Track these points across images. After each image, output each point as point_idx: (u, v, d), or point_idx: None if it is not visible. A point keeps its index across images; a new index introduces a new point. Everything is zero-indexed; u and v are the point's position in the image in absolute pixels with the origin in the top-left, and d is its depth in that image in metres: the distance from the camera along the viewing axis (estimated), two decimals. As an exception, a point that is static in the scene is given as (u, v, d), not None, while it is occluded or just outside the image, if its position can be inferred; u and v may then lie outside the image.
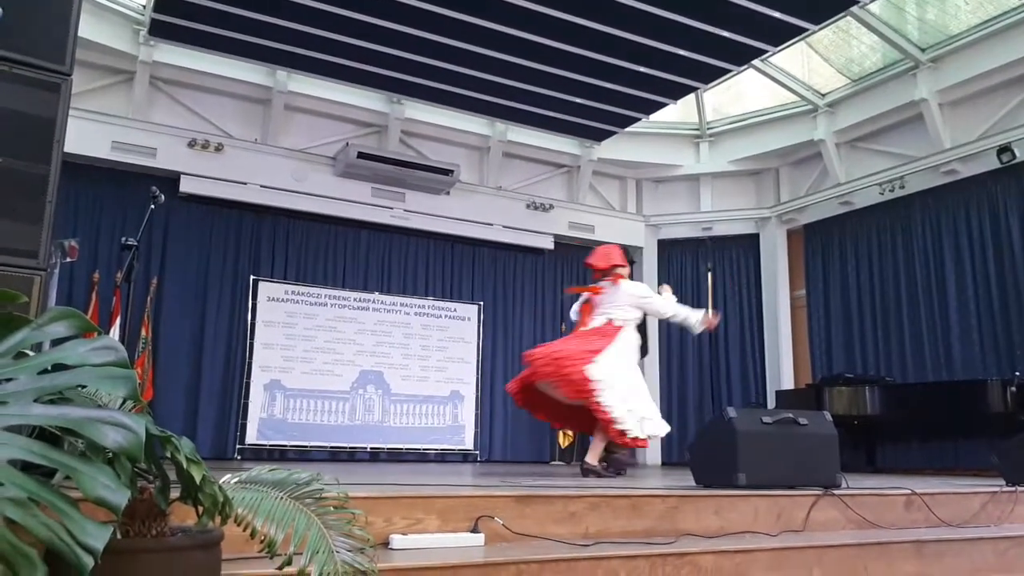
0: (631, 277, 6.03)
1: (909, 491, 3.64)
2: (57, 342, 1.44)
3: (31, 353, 1.43)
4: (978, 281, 7.76)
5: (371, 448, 8.45)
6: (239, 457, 7.79)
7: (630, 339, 5.36)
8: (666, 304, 5.50)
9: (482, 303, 9.40)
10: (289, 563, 1.59)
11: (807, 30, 6.69)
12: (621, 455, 5.40)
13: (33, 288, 2.33)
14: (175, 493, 1.63)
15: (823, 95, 9.01)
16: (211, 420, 7.79)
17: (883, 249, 8.71)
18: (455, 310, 9.25)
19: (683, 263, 10.15)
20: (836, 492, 3.48)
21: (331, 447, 8.27)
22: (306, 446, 8.16)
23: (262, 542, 1.62)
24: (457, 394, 9.03)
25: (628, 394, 5.03)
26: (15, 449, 1.23)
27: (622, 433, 4.91)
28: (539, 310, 9.81)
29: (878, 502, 3.56)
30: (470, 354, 9.21)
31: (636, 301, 5.43)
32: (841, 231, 9.20)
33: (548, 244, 9.65)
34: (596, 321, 5.40)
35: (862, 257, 8.92)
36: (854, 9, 6.94)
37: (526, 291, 9.78)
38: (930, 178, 8.17)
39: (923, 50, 7.96)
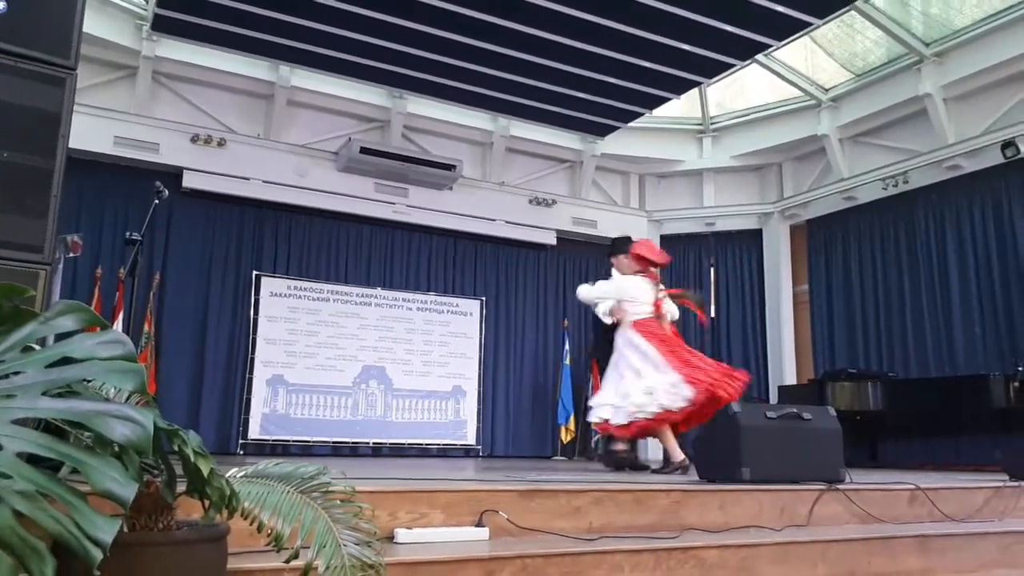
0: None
1: (913, 486, 3.64)
2: (63, 336, 1.44)
3: (38, 347, 1.43)
4: (981, 276, 7.75)
5: (373, 443, 8.46)
6: (241, 452, 7.79)
7: None
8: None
9: (484, 298, 9.40)
10: (296, 556, 1.60)
11: (811, 24, 6.67)
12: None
13: (38, 282, 2.34)
14: (181, 487, 1.63)
15: (826, 90, 8.99)
16: (214, 415, 7.80)
17: (886, 244, 8.70)
18: (457, 305, 9.25)
19: (686, 258, 10.14)
20: (840, 487, 3.48)
21: (333, 442, 8.28)
22: (309, 441, 8.16)
23: (269, 535, 1.62)
24: (459, 389, 9.04)
25: None
26: (23, 442, 1.23)
27: None
28: (541, 305, 9.81)
29: (882, 497, 3.56)
30: (472, 349, 9.21)
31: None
32: (844, 226, 9.18)
33: (551, 239, 9.64)
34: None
35: (865, 252, 8.91)
36: (858, 3, 6.92)
37: (528, 286, 9.78)
38: (934, 173, 8.16)
39: (927, 44, 7.93)
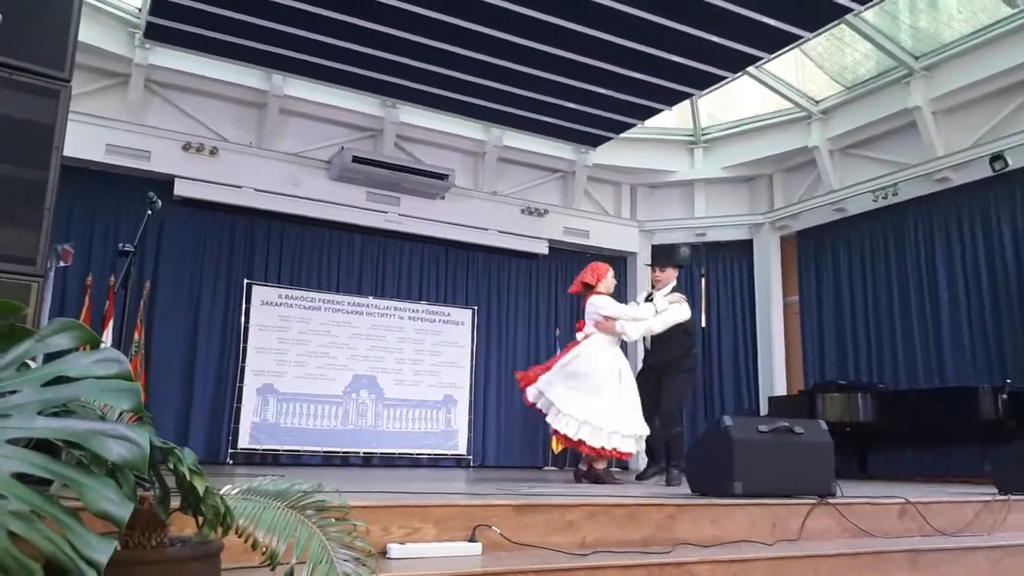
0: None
1: (903, 500, 3.65)
2: (57, 355, 1.43)
3: (33, 364, 1.43)
4: (970, 288, 7.81)
5: (364, 453, 8.43)
6: (231, 462, 7.76)
7: (594, 353, 5.16)
8: (626, 325, 5.29)
9: (476, 308, 9.40)
10: (291, 574, 1.59)
11: (802, 37, 6.72)
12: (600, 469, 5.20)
13: (31, 295, 2.33)
14: (174, 502, 1.62)
15: (817, 102, 9.05)
16: (203, 424, 7.77)
17: (876, 256, 8.75)
18: (449, 314, 9.25)
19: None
20: (831, 501, 3.49)
21: (324, 452, 8.25)
22: (299, 451, 8.13)
23: (264, 553, 1.61)
24: (450, 399, 9.03)
25: (588, 408, 4.96)
26: (18, 462, 1.22)
27: (590, 448, 4.95)
28: (533, 315, 9.82)
29: (873, 511, 3.57)
30: (464, 359, 9.20)
31: (594, 315, 5.30)
32: (834, 238, 9.24)
33: (542, 249, 9.66)
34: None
35: (855, 264, 8.97)
36: (848, 17, 6.98)
37: (520, 296, 9.79)
38: (923, 186, 8.22)
39: (916, 58, 8.01)
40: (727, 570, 2.75)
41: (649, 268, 5.97)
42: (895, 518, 3.61)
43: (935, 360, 7.96)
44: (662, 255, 6.10)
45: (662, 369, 5.44)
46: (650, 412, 5.20)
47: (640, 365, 5.77)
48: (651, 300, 5.60)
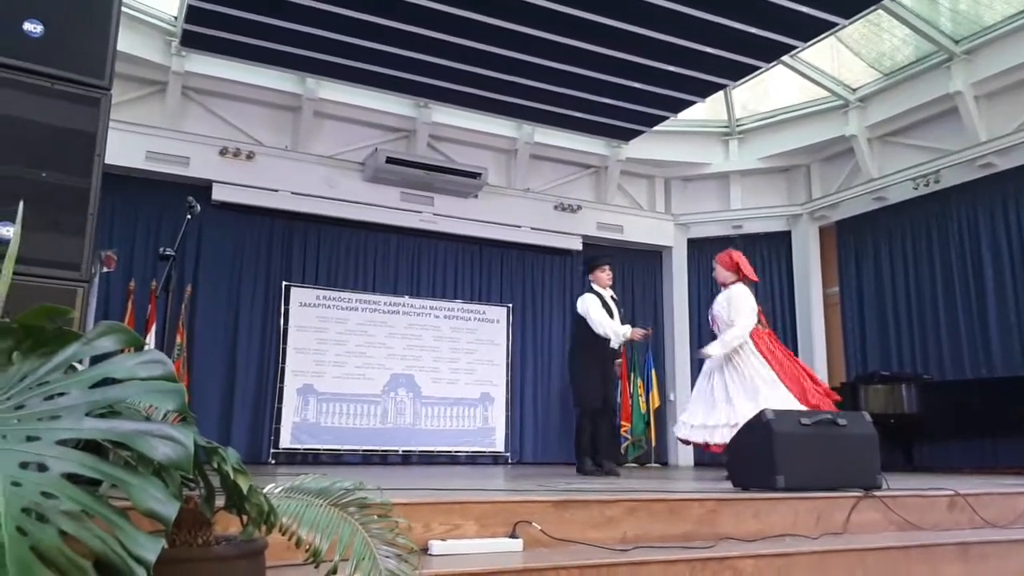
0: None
1: (952, 492, 3.58)
2: (102, 357, 1.46)
3: (80, 367, 1.46)
4: (1017, 275, 7.61)
5: (403, 451, 8.49)
6: (273, 461, 7.86)
7: None
8: None
9: (511, 305, 9.41)
10: (335, 572, 1.61)
11: (837, 25, 6.60)
12: None
13: (76, 300, 2.37)
14: (219, 501, 1.65)
15: (854, 90, 8.89)
16: (245, 425, 7.88)
17: (918, 245, 8.57)
18: (484, 312, 9.26)
19: (713, 262, 10.03)
20: (877, 494, 3.43)
21: (363, 450, 8.33)
22: (339, 450, 8.21)
23: (307, 551, 1.63)
24: (487, 396, 9.05)
25: None
26: (69, 463, 1.25)
27: None
28: (568, 311, 9.78)
29: (920, 503, 3.50)
30: (499, 356, 9.22)
31: None
32: (874, 227, 9.07)
33: (576, 245, 9.62)
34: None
35: (896, 253, 8.79)
36: (885, 2, 6.84)
37: (555, 293, 9.77)
38: (966, 172, 8.03)
39: (956, 42, 7.82)
40: (771, 564, 2.71)
41: (609, 268, 6.67)
42: (944, 510, 3.54)
43: (982, 349, 7.78)
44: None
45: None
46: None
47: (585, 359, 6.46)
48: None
